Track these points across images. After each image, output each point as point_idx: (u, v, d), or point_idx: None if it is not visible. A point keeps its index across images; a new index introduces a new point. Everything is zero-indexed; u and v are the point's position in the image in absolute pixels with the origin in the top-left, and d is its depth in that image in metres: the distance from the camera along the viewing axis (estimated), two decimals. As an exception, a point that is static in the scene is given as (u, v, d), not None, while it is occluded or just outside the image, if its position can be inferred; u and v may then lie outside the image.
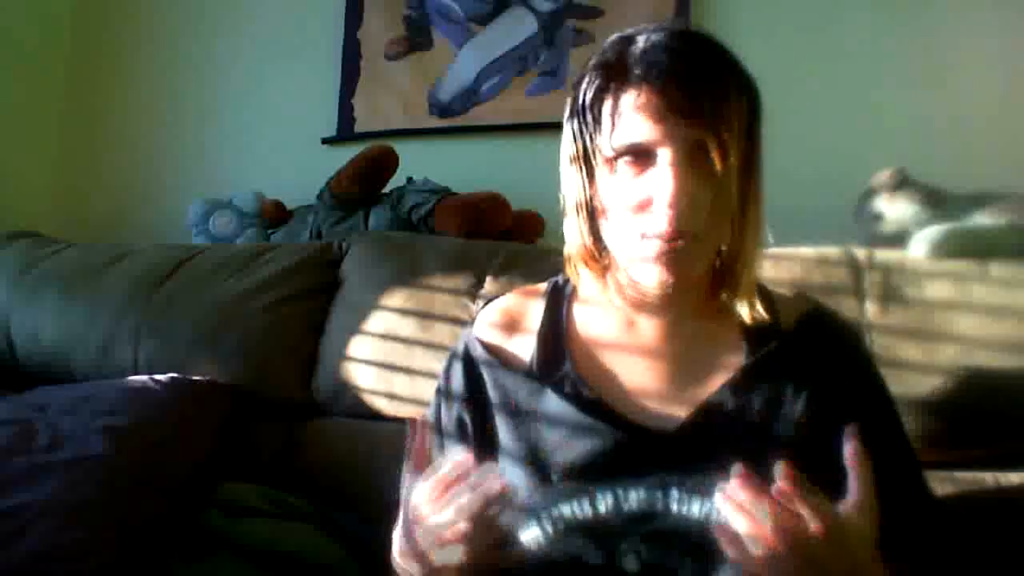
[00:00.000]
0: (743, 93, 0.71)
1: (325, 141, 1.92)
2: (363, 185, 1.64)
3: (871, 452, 0.64)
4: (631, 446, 0.73)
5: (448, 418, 0.82)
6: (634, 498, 0.70)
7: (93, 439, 1.07)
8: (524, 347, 0.81)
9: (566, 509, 0.71)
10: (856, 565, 0.60)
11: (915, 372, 1.02)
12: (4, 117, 2.01)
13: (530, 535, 0.71)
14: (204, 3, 2.10)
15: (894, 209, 1.22)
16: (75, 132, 2.16)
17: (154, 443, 1.11)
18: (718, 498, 0.61)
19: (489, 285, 1.24)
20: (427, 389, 0.91)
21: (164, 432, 1.14)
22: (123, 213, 2.08)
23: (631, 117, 0.69)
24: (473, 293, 1.24)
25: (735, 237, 0.73)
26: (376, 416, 1.25)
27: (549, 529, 0.71)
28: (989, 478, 1.00)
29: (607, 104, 0.70)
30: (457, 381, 0.83)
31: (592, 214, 0.74)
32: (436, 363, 0.93)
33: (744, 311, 0.76)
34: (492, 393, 0.80)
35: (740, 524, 0.59)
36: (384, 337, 1.25)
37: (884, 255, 1.12)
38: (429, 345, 1.22)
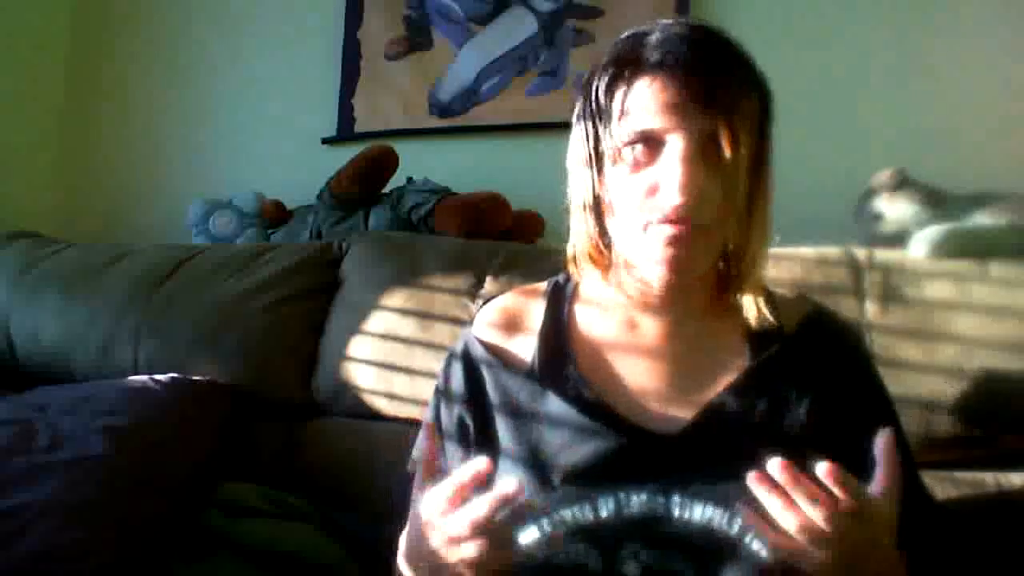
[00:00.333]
0: (756, 90, 0.71)
1: (325, 141, 1.92)
2: (363, 185, 1.64)
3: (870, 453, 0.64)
4: (633, 449, 0.72)
5: (449, 419, 0.82)
6: (636, 502, 0.70)
7: (93, 439, 1.06)
8: (525, 347, 0.81)
9: (567, 513, 0.71)
10: (882, 548, 0.61)
11: (915, 372, 1.02)
12: (4, 117, 2.00)
13: (530, 538, 0.71)
14: (204, 3, 2.10)
15: (894, 209, 1.22)
16: (75, 132, 2.15)
17: (154, 443, 1.11)
18: (750, 478, 0.60)
19: (489, 285, 1.24)
20: (427, 389, 0.90)
21: (164, 432, 1.14)
22: (123, 213, 2.07)
23: (645, 104, 0.68)
24: (473, 293, 1.24)
25: (742, 235, 0.73)
26: (376, 416, 1.25)
27: (550, 533, 0.71)
28: (989, 478, 1.00)
29: (619, 92, 0.70)
30: (457, 381, 0.82)
31: (599, 211, 0.74)
32: (436, 363, 0.93)
33: (751, 311, 0.76)
34: (493, 394, 0.79)
35: (773, 505, 0.59)
36: (384, 337, 1.25)
37: (884, 255, 1.12)
38: (429, 345, 1.22)
